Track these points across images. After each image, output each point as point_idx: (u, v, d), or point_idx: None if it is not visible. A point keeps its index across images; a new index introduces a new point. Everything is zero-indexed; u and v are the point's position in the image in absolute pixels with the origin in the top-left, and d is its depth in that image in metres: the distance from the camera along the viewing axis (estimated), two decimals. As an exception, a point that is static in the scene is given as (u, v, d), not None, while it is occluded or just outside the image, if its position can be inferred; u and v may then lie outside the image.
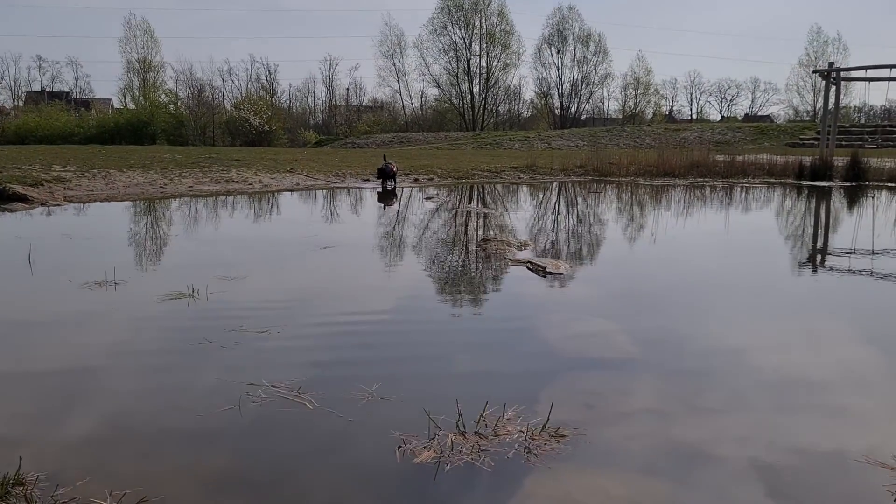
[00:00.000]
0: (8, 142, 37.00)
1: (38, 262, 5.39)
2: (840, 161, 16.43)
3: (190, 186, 12.01)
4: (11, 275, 5.14)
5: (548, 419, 2.58)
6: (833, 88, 19.37)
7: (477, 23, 56.98)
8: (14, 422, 2.61)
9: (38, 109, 48.45)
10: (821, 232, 8.78)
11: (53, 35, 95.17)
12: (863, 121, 49.43)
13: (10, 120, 46.73)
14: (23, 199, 9.47)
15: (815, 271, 6.01)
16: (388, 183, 13.28)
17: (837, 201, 12.62)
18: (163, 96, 53.16)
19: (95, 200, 10.05)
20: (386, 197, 11.92)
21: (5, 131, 42.31)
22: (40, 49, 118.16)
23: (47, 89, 63.77)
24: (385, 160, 13.71)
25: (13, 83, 65.43)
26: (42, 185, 10.37)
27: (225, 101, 56.85)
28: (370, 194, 12.14)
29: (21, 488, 2.07)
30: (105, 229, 7.89)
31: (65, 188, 10.62)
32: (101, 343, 3.59)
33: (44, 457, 2.31)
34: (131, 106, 53.12)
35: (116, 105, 59.02)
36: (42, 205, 9.33)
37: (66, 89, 64.47)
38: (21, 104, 59.21)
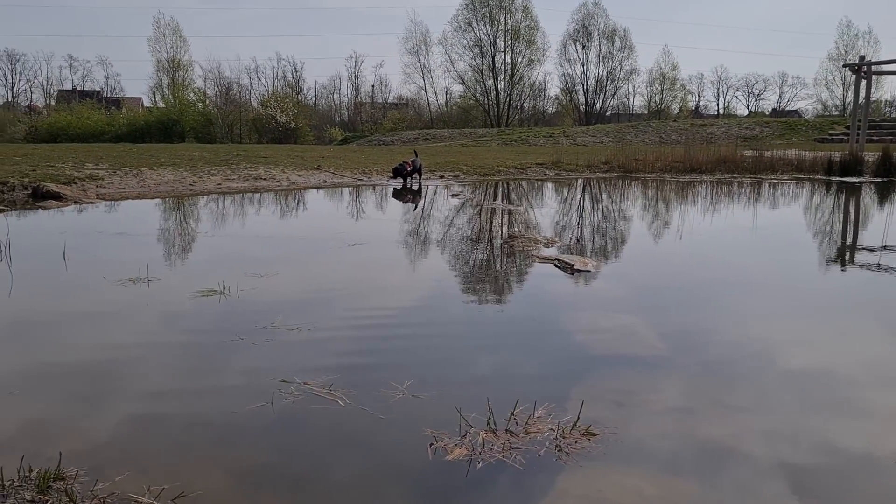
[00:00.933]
0: (41, 140, 37.66)
1: (72, 258, 5.48)
2: (871, 156, 16.17)
3: (219, 184, 12.14)
4: (47, 272, 5.24)
5: (578, 417, 2.58)
6: (863, 82, 19.04)
7: (501, 19, 56.86)
8: (52, 417, 2.67)
9: (69, 108, 49.31)
10: (850, 228, 8.66)
11: (84, 34, 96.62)
12: (894, 115, 48.52)
13: (42, 118, 47.51)
14: (56, 196, 9.63)
15: (844, 268, 5.94)
16: (410, 181, 13.23)
17: (868, 197, 12.43)
18: (191, 95, 53.76)
19: (127, 198, 10.19)
20: (412, 194, 11.95)
21: (38, 130, 43.08)
22: (71, 48, 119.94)
23: (78, 88, 64.83)
24: (415, 155, 13.77)
25: (45, 82, 66.60)
26: (75, 183, 10.53)
27: (252, 99, 57.41)
28: (396, 192, 12.18)
29: (62, 483, 2.12)
30: (137, 226, 8.00)
31: (97, 186, 10.78)
32: (136, 339, 3.65)
33: (82, 451, 2.35)
34: (161, 104, 53.80)
35: (146, 103, 59.76)
36: (75, 202, 9.48)
37: (97, 88, 65.50)
38: (53, 103, 60.16)
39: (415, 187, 12.97)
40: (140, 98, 63.64)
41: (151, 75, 66.55)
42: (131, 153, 16.71)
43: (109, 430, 2.56)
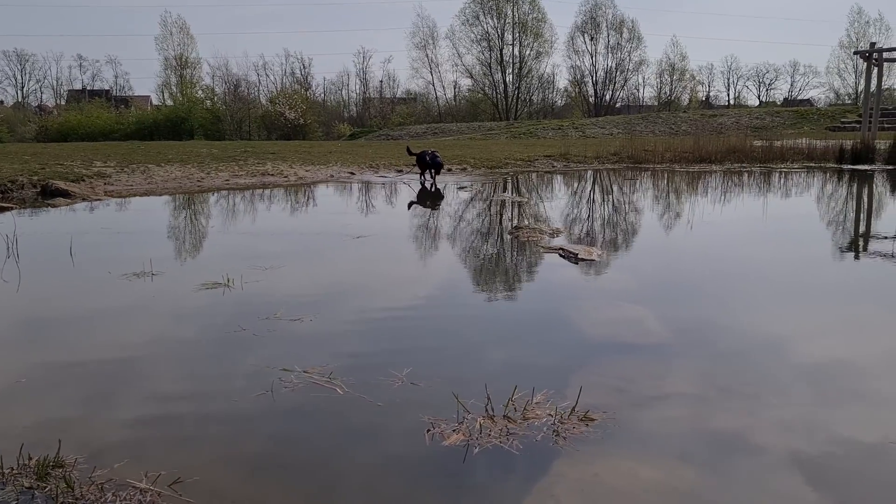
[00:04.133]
0: (51, 139, 37.88)
1: (78, 254, 5.52)
2: (883, 144, 16.03)
3: (226, 180, 12.17)
4: (54, 267, 5.27)
5: (576, 403, 2.58)
6: (875, 70, 18.87)
7: (509, 12, 56.71)
8: (55, 407, 2.69)
9: (79, 107, 49.55)
10: (862, 216, 8.60)
11: (93, 34, 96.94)
12: (907, 103, 48.06)
13: (53, 118, 47.76)
14: (65, 194, 9.68)
15: (856, 257, 5.90)
16: (429, 175, 12.15)
17: (880, 185, 12.33)
18: (200, 92, 53.96)
19: (135, 195, 10.24)
20: (419, 187, 11.94)
21: (48, 129, 43.32)
22: (81, 48, 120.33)
23: (88, 87, 65.11)
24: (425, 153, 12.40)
25: (55, 82, 66.87)
26: (83, 180, 10.58)
27: (260, 96, 57.43)
28: (403, 185, 12.17)
29: (60, 470, 2.13)
30: (144, 223, 8.04)
31: (105, 183, 10.83)
32: (138, 331, 3.67)
33: (83, 440, 2.37)
34: (169, 102, 54.03)
35: (155, 102, 60.03)
36: (83, 200, 9.53)
37: (107, 87, 65.70)
38: (63, 102, 60.48)
39: (427, 185, 11.99)
40: (149, 96, 63.92)
41: (159, 73, 66.92)
42: (139, 151, 16.78)
43: (110, 418, 2.58)
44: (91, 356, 3.28)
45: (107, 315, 4.00)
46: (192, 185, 11.55)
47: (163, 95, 56.37)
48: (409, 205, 9.79)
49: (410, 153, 12.88)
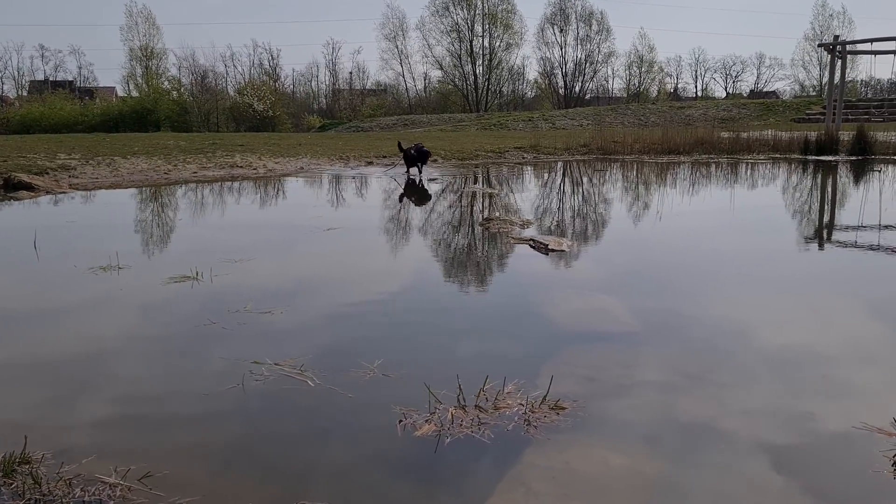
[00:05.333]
0: (13, 132, 37.08)
1: (43, 248, 5.42)
2: (846, 135, 16.33)
3: (194, 172, 12.03)
4: (17, 261, 5.18)
5: (547, 392, 2.60)
6: (839, 62, 19.21)
7: (479, 3, 56.61)
8: (22, 404, 2.65)
9: (41, 99, 48.54)
10: (827, 207, 8.75)
11: (56, 24, 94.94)
12: (869, 95, 48.92)
13: (14, 110, 46.79)
14: (28, 187, 9.50)
15: (821, 247, 6.00)
16: (417, 170, 11.67)
17: (843, 175, 12.56)
18: (166, 83, 53.18)
19: (100, 188, 10.08)
20: (391, 179, 11.89)
21: (10, 121, 42.44)
22: (43, 38, 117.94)
23: (51, 78, 63.69)
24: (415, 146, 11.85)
25: (16, 73, 65.34)
26: (47, 173, 10.39)
27: (228, 87, 56.81)
28: (374, 177, 12.13)
29: (27, 466, 2.10)
30: (110, 216, 7.92)
31: (70, 176, 10.65)
32: (105, 325, 3.62)
33: (51, 437, 2.33)
34: (135, 94, 53.09)
35: (120, 93, 58.97)
36: (47, 193, 9.36)
37: (70, 78, 64.36)
38: (25, 94, 59.19)
39: (417, 179, 11.40)
40: (114, 87, 62.72)
41: (125, 64, 65.70)
42: (104, 143, 16.53)
43: (77, 414, 2.54)
44: (57, 351, 3.23)
45: (73, 309, 3.95)
46: (159, 177, 11.40)
47: (128, 87, 55.40)
48: (380, 196, 9.76)
49: (401, 149, 12.30)
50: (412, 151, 11.63)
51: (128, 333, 3.50)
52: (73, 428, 2.43)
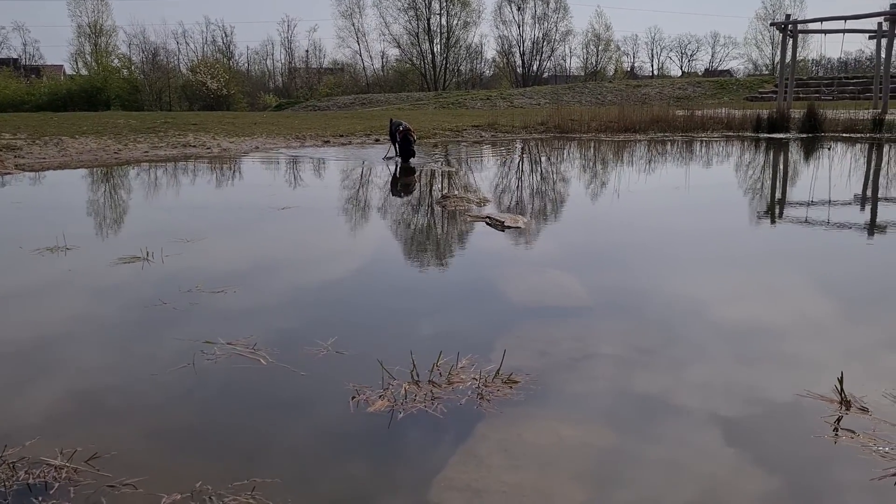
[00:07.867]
0: (-46, 111, 35.80)
1: (-13, 230, 5.27)
2: (797, 113, 16.65)
3: (145, 152, 11.78)
4: (-41, 243, 5.03)
5: (500, 366, 2.61)
6: (790, 41, 19.52)
7: (436, -20, 56.09)
8: (-38, 387, 2.57)
9: (-17, 77, 46.83)
10: (778, 184, 8.92)
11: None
12: (820, 73, 49.85)
13: (-45, 89, 45.12)
14: (-29, 168, 9.20)
15: (772, 222, 6.12)
16: (398, 148, 10.47)
17: (794, 153, 12.81)
18: (116, 61, 51.74)
19: (48, 168, 9.81)
20: (347, 158, 11.79)
21: (-50, 101, 40.89)
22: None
23: (-7, 56, 61.56)
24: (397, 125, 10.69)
25: (-43, 50, 63.02)
26: (-9, 153, 10.08)
27: (181, 65, 55.54)
28: (331, 157, 12.01)
29: (-32, 450, 2.05)
30: (58, 197, 7.72)
31: (15, 156, 10.34)
32: (52, 306, 3.54)
33: (-6, 421, 2.28)
34: (84, 72, 51.55)
35: (69, 71, 57.23)
36: (-8, 173, 9.08)
37: (14, 56, 62.25)
38: (-34, 72, 57.11)
39: (399, 159, 10.46)
40: (62, 66, 60.86)
41: (72, 41, 63.68)
42: (52, 122, 16.08)
43: (22, 397, 2.48)
44: (0, 333, 3.15)
45: (18, 291, 3.84)
46: (109, 157, 11.14)
47: (76, 65, 53.74)
48: (336, 176, 9.66)
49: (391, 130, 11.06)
50: (397, 136, 10.45)
51: (75, 315, 3.43)
52: (17, 411, 2.37)
